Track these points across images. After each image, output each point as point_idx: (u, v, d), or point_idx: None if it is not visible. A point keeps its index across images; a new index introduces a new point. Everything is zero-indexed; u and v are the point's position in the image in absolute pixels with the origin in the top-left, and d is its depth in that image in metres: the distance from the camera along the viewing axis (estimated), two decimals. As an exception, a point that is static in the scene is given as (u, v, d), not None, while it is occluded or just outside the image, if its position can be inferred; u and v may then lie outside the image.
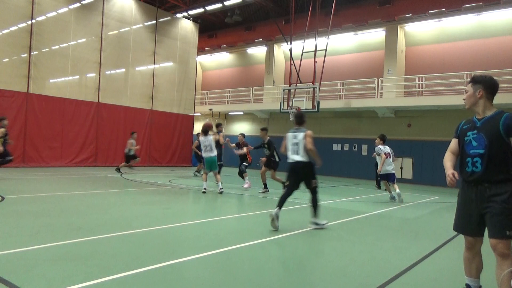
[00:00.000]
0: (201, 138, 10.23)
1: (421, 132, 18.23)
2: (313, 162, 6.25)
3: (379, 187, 14.03)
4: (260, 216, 7.32)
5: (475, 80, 3.07)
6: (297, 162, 6.21)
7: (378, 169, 10.48)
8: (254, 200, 9.71)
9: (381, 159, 10.25)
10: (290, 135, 6.38)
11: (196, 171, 15.90)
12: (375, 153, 10.82)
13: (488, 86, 3.01)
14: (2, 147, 10.71)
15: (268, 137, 11.22)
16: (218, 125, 12.20)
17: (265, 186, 11.00)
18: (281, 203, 6.01)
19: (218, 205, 8.91)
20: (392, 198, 10.24)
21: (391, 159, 10.33)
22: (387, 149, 10.42)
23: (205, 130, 10.04)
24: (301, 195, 10.82)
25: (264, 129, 11.30)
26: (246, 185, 11.82)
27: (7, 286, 3.11)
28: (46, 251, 4.20)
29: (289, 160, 6.34)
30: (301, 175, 6.24)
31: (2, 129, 10.85)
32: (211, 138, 10.15)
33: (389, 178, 10.25)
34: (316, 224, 6.19)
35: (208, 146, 9.91)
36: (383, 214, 8.22)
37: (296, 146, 6.22)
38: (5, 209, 6.61)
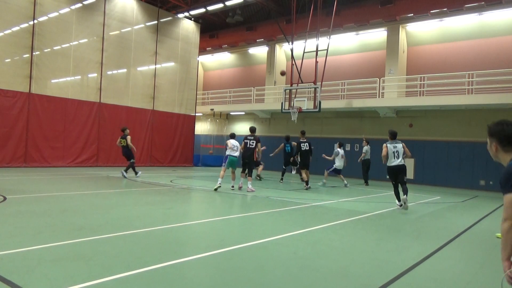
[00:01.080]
0: (231, 140, 11.62)
1: (423, 132, 18.20)
2: (405, 165, 8.71)
3: (366, 183, 15.84)
4: (262, 217, 7.33)
5: (488, 132, 2.60)
6: (398, 165, 8.58)
7: (336, 165, 14.47)
8: (256, 200, 9.71)
9: (338, 158, 14.43)
10: (390, 146, 8.68)
11: None
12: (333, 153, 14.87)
13: (502, 139, 2.48)
14: (134, 147, 13.92)
15: (303, 140, 12.88)
16: (303, 133, 14.53)
17: (306, 183, 12.62)
18: (398, 195, 8.72)
19: (219, 206, 8.92)
20: (346, 185, 14.32)
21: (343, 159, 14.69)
22: (341, 151, 14.67)
23: (233, 135, 12.08)
24: (302, 195, 10.84)
25: (301, 132, 13.35)
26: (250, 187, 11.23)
27: (9, 286, 3.13)
28: (48, 251, 4.22)
29: (390, 164, 8.64)
30: (399, 173, 8.58)
31: (129, 136, 13.69)
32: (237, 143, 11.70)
33: (340, 171, 14.65)
34: (405, 202, 8.64)
35: (235, 147, 11.46)
36: (385, 214, 8.21)
37: (396, 153, 8.55)
38: (7, 209, 6.63)
